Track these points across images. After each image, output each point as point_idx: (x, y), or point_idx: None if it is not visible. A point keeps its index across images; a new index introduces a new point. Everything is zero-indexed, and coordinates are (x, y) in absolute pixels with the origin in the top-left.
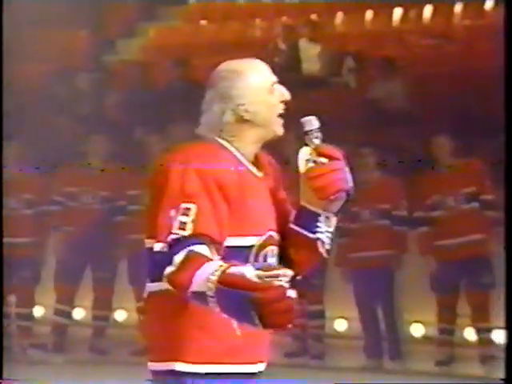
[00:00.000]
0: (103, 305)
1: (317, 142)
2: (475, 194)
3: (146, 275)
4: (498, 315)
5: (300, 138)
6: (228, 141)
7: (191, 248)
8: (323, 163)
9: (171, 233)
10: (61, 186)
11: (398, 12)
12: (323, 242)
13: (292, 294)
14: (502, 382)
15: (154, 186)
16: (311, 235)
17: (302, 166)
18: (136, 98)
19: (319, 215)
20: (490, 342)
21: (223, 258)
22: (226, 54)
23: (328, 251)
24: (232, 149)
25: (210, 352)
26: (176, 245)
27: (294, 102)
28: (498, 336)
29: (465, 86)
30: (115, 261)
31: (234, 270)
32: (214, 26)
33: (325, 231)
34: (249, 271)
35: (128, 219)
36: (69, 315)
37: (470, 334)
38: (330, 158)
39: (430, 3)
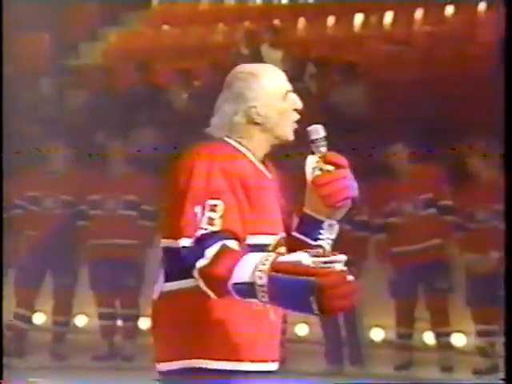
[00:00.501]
0: (64, 310)
1: (323, 150)
2: (433, 200)
3: (163, 274)
4: (457, 319)
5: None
6: (238, 142)
7: (224, 242)
8: (330, 171)
9: (200, 228)
10: (22, 190)
11: (359, 18)
12: (324, 249)
13: (351, 278)
14: (502, 382)
15: (176, 184)
16: (313, 242)
17: (309, 174)
18: (98, 102)
19: (323, 223)
20: (449, 346)
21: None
22: (189, 58)
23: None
24: (243, 149)
25: (230, 348)
26: (206, 239)
27: None
28: (457, 339)
29: (424, 91)
30: (76, 266)
31: (285, 258)
32: (176, 31)
33: (326, 238)
34: (305, 258)
35: (89, 224)
36: (29, 320)
37: (428, 337)
38: (337, 165)
39: (391, 9)
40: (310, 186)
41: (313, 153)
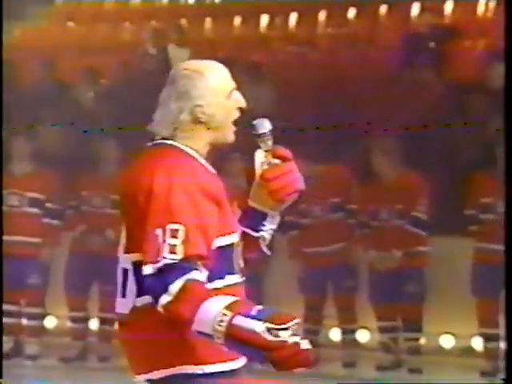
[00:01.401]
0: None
1: (270, 143)
2: (341, 204)
3: (134, 290)
4: (362, 316)
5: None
6: (183, 143)
7: (187, 277)
8: (278, 164)
9: (162, 256)
10: None
11: (264, 19)
12: (265, 239)
13: (305, 344)
14: (502, 382)
15: (135, 202)
16: (255, 234)
17: (258, 169)
18: (1, 99)
19: (267, 215)
20: (355, 342)
21: (211, 261)
22: (94, 56)
23: (268, 248)
24: (190, 151)
25: (216, 351)
26: (169, 270)
27: None
28: (362, 336)
29: (328, 92)
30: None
31: (240, 321)
32: (81, 28)
33: (269, 229)
34: (258, 326)
35: None
36: None
37: (335, 334)
38: (284, 159)
39: (295, 11)
40: (258, 180)
41: (259, 147)
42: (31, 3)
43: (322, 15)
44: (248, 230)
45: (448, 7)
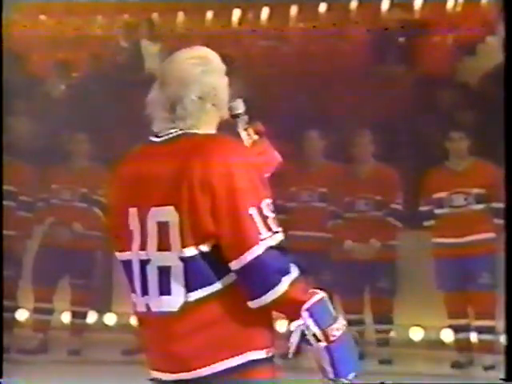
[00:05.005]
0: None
1: (246, 121)
2: (326, 195)
3: (182, 286)
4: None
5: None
6: (205, 127)
7: (297, 273)
8: (259, 139)
9: (267, 231)
10: None
11: (236, 13)
12: None
13: None
14: (502, 381)
15: (209, 191)
16: None
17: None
18: None
19: None
20: None
21: None
22: (66, 49)
23: None
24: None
25: (271, 335)
26: (282, 250)
27: (137, 100)
28: None
29: (298, 86)
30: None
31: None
32: (53, 21)
33: None
34: None
35: None
36: None
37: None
38: (261, 134)
39: (267, 6)
40: None
41: (237, 127)
42: None
43: (293, 10)
44: None
45: (417, 2)
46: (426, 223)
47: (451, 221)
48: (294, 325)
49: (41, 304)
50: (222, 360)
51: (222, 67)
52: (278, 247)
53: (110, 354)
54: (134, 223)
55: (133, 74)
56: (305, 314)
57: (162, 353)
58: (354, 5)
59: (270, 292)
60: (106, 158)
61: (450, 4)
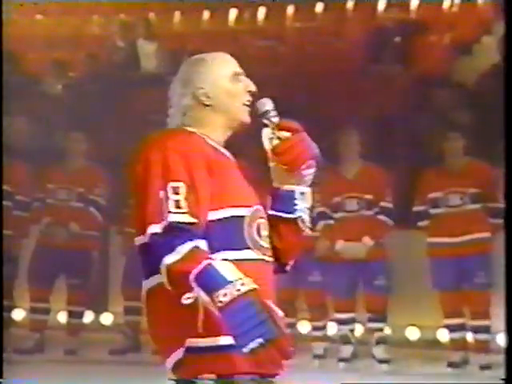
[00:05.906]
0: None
1: (275, 120)
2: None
3: (143, 273)
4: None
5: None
6: (191, 126)
7: (196, 243)
8: (287, 137)
9: (169, 212)
10: None
11: (233, 13)
12: (303, 220)
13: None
14: (502, 381)
15: (135, 175)
16: (290, 215)
17: (268, 145)
18: None
19: (294, 192)
20: (325, 337)
21: (216, 232)
22: (63, 49)
23: (310, 228)
24: (198, 132)
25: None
26: (177, 231)
27: (134, 99)
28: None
29: (295, 86)
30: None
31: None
32: (49, 21)
33: (303, 207)
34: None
35: None
36: None
37: (304, 327)
38: (293, 130)
39: (264, 6)
40: (271, 157)
41: (265, 126)
42: None
43: (290, 9)
44: (282, 214)
45: (414, 2)
46: (421, 223)
47: (447, 220)
48: (185, 296)
49: (37, 304)
50: (175, 350)
51: (225, 70)
52: (168, 229)
53: (107, 354)
54: None
55: (129, 74)
56: (193, 283)
57: None
58: (350, 4)
59: (154, 276)
60: (102, 157)
61: (446, 4)
